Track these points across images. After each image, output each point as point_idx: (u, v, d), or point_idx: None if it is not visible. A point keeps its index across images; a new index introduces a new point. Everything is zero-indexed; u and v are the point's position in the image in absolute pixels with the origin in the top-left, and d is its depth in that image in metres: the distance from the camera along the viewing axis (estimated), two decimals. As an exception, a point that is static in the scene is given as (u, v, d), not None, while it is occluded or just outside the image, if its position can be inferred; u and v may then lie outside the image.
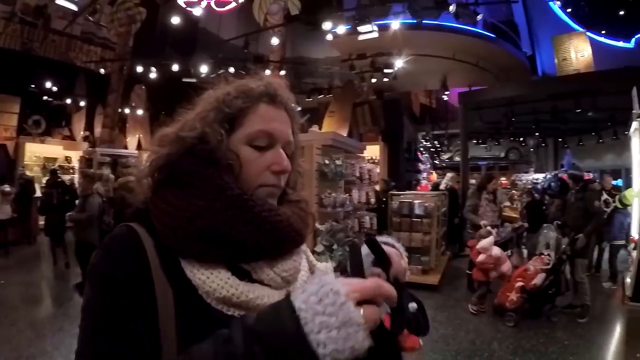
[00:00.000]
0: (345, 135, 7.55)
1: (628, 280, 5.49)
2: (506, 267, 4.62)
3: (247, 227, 0.61)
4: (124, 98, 11.40)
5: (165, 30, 10.58)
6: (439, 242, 6.44)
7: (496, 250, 4.55)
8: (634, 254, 5.21)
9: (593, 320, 4.46)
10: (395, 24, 9.24)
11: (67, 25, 11.06)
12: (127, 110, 11.74)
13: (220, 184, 0.62)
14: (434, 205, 6.08)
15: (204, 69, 9.17)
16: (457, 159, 15.79)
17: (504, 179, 15.20)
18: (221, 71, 9.28)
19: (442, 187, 8.08)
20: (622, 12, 9.94)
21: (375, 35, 8.91)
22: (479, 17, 9.57)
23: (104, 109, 11.28)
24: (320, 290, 0.45)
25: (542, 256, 4.46)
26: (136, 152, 11.53)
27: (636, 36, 10.62)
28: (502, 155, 16.99)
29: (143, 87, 12.07)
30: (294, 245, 0.69)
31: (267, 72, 10.69)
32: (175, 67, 9.39)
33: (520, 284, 4.30)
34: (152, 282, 0.57)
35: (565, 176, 7.20)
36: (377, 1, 10.17)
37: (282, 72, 10.82)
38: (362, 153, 5.51)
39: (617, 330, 4.41)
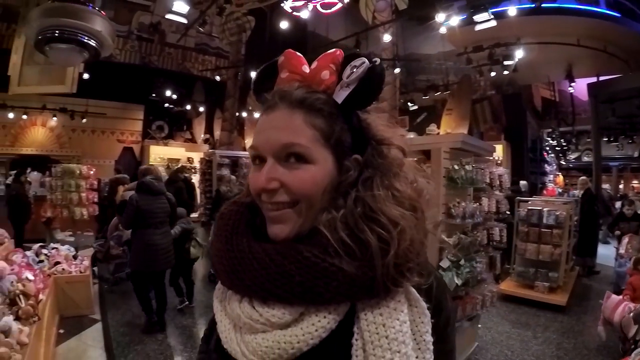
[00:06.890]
0: (465, 134, 6.99)
1: None
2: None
3: (216, 254, 0.61)
4: (241, 102, 11.95)
5: (275, 36, 10.92)
6: (569, 255, 5.67)
7: None
8: None
9: None
10: (512, 10, 8.42)
11: (180, 38, 11.93)
12: (244, 114, 12.20)
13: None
14: (566, 214, 5.31)
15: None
16: (586, 159, 14.16)
17: (637, 182, 13.40)
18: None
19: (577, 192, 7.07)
20: None
21: (493, 23, 8.24)
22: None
23: (222, 114, 11.97)
24: None
25: None
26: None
27: None
28: (636, 154, 14.69)
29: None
30: (263, 293, 0.55)
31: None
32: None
33: None
34: None
35: None
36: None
37: (397, 70, 10.38)
38: (492, 156, 4.92)
39: None
